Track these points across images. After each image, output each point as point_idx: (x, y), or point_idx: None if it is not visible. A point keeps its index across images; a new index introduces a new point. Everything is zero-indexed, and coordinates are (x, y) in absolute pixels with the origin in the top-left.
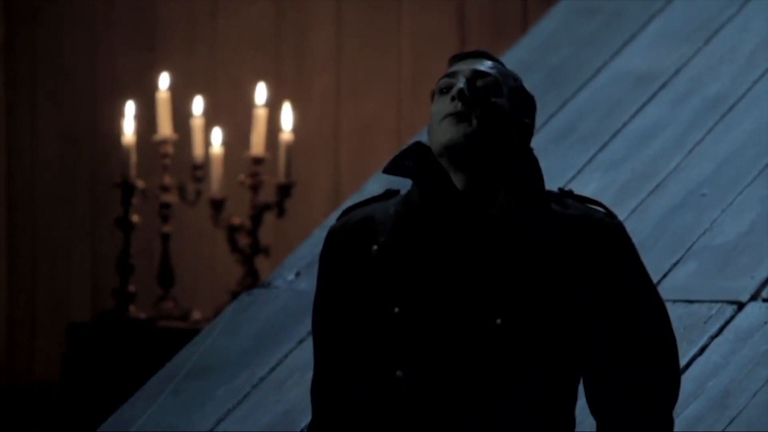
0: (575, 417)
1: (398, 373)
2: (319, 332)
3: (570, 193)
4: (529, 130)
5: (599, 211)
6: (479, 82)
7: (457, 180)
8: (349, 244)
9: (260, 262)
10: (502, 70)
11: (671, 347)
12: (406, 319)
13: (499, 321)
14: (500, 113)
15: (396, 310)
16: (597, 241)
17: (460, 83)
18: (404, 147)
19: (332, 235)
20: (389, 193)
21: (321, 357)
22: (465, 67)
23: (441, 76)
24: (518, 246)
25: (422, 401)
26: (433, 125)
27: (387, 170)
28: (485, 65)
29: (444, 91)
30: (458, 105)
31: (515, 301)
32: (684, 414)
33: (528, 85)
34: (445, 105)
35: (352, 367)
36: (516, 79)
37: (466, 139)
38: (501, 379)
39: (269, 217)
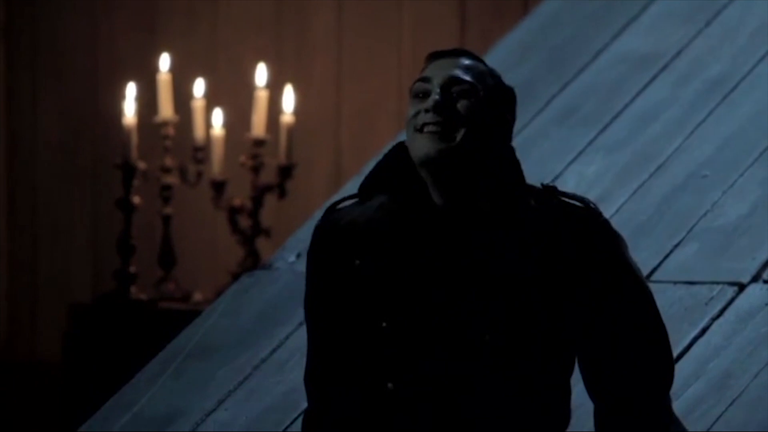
0: (570, 411)
1: (389, 385)
2: (311, 327)
3: (553, 189)
4: (509, 126)
5: (584, 207)
6: (455, 89)
7: (436, 191)
8: (334, 254)
9: (261, 243)
10: (479, 69)
11: (662, 332)
12: (394, 333)
13: (487, 337)
14: (476, 124)
15: (383, 324)
16: (582, 240)
17: (435, 93)
18: (383, 154)
19: (318, 240)
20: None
21: (315, 348)
22: (440, 72)
23: (417, 77)
24: (500, 255)
25: (414, 411)
26: (410, 131)
27: (365, 186)
28: (461, 67)
29: (419, 95)
30: (434, 117)
31: (501, 311)
32: (685, 395)
33: (529, 66)
34: (421, 114)
35: (343, 375)
36: (494, 76)
37: (442, 155)
38: (492, 387)
39: (270, 199)
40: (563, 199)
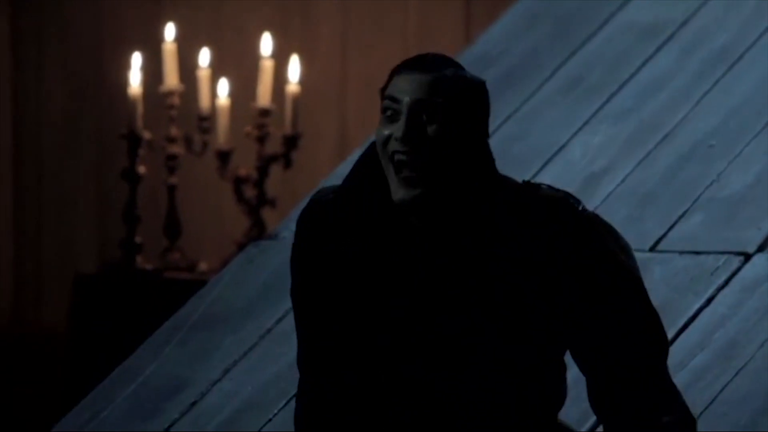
0: (566, 388)
1: (383, 385)
2: (298, 317)
3: (533, 186)
4: (484, 123)
5: (563, 201)
6: (423, 112)
7: (413, 217)
8: (318, 255)
9: (266, 213)
10: (447, 78)
11: (651, 313)
12: (384, 336)
13: (477, 337)
14: (447, 150)
15: (373, 327)
16: (561, 234)
17: (403, 120)
18: (360, 157)
19: (302, 235)
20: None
21: (304, 338)
22: (407, 91)
23: (385, 89)
24: (481, 256)
25: (408, 408)
26: (384, 158)
27: (346, 189)
28: (428, 84)
29: (387, 113)
30: (403, 146)
31: (488, 311)
32: (691, 364)
33: (535, 36)
34: (392, 141)
35: (333, 371)
36: (462, 79)
37: (417, 200)
38: (485, 379)
39: (276, 169)
40: (541, 194)
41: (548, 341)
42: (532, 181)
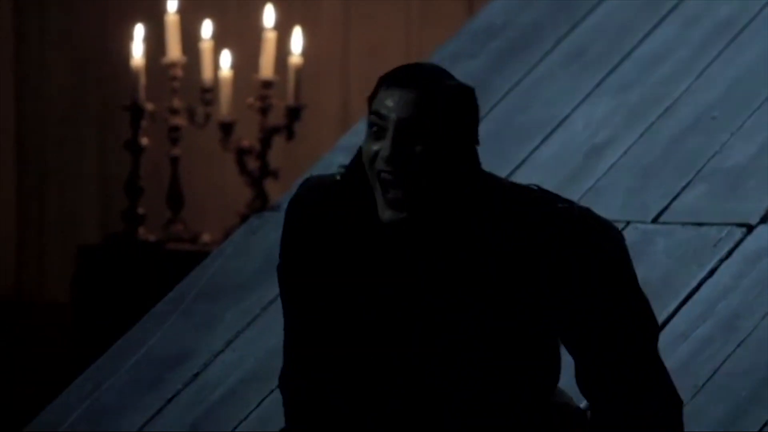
0: (560, 367)
1: (374, 381)
2: (284, 301)
3: (525, 188)
4: (473, 129)
5: (539, 194)
6: (410, 131)
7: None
8: (311, 248)
9: (269, 184)
10: (434, 91)
11: (641, 299)
12: (374, 334)
13: (466, 335)
14: (434, 169)
15: (363, 326)
16: (540, 231)
17: (389, 139)
18: (354, 158)
19: (292, 226)
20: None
21: (290, 324)
22: (394, 108)
23: (372, 97)
24: (466, 258)
25: (398, 395)
26: (372, 174)
27: (342, 186)
28: (415, 103)
29: (373, 129)
30: (388, 166)
31: (476, 311)
32: (693, 336)
33: (537, 7)
34: (378, 160)
35: (321, 363)
36: (449, 89)
37: (403, 223)
38: (475, 367)
39: (278, 140)
40: (531, 196)
41: (539, 330)
42: (527, 181)
